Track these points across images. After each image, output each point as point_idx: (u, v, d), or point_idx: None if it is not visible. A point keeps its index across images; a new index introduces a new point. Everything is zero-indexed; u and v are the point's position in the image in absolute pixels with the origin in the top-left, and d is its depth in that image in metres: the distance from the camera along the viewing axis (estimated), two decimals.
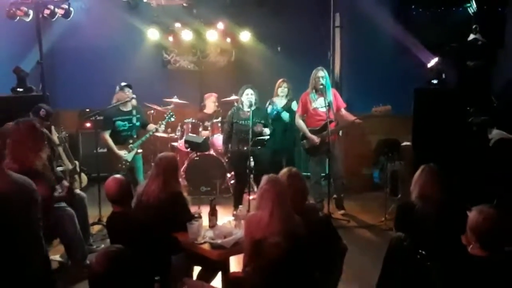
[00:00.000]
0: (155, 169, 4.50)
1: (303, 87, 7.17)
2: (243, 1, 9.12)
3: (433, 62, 6.67)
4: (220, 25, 9.08)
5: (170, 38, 9.46)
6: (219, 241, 4.06)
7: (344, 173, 7.28)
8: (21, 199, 3.11)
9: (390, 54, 8.42)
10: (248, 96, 6.84)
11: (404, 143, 7.25)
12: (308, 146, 7.07)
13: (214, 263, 4.12)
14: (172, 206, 4.30)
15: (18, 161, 3.96)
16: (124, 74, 8.07)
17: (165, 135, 8.34)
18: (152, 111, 8.60)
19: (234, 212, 6.71)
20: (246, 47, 9.46)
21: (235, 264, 4.18)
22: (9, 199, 3.04)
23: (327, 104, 6.75)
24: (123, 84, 6.91)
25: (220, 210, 4.74)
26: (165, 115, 7.13)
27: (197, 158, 7.88)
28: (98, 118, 6.77)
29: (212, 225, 4.41)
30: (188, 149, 7.95)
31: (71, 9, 6.60)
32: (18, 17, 6.44)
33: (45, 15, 6.44)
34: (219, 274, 4.24)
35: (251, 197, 6.75)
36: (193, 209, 4.68)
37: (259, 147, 6.78)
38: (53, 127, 6.61)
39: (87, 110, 8.54)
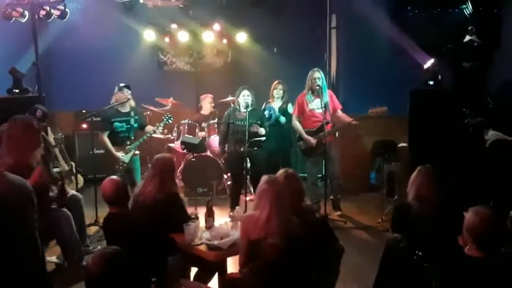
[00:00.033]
0: (152, 170, 4.51)
1: (299, 88, 7.17)
2: (239, 2, 9.12)
3: (429, 63, 6.68)
4: (217, 26, 9.08)
5: (166, 39, 9.46)
6: (215, 242, 4.06)
7: (340, 174, 7.27)
8: (17, 199, 3.10)
9: (386, 55, 8.43)
10: (244, 97, 6.84)
11: (401, 144, 7.26)
12: (305, 147, 7.08)
13: (211, 264, 4.12)
14: (169, 207, 4.31)
15: (13, 157, 3.95)
16: (120, 75, 8.06)
17: (161, 136, 8.33)
18: (148, 112, 8.60)
19: (231, 213, 6.75)
20: (242, 48, 9.47)
21: (232, 265, 4.17)
22: (5, 200, 3.03)
23: (323, 106, 6.76)
24: (122, 84, 6.90)
25: (216, 211, 4.73)
26: (163, 117, 7.11)
27: (194, 159, 7.88)
28: (95, 119, 6.75)
29: (209, 226, 4.41)
30: (185, 150, 7.95)
31: (67, 10, 6.61)
32: (13, 18, 6.43)
33: (41, 16, 6.43)
34: (216, 275, 4.24)
35: (247, 198, 6.75)
36: (189, 210, 4.68)
37: (255, 148, 6.79)
38: (49, 128, 6.60)
39: (83, 111, 8.54)
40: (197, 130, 8.27)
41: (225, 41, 9.49)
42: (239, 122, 6.85)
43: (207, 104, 8.68)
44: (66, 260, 5.18)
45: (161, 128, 7.02)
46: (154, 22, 9.21)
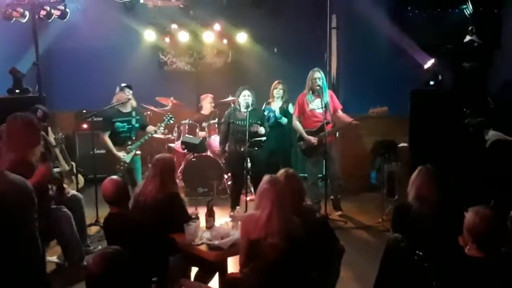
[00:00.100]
0: (152, 170, 4.51)
1: (300, 88, 7.17)
2: (240, 3, 9.12)
3: (429, 63, 6.68)
4: (217, 27, 9.08)
5: (167, 39, 9.46)
6: (216, 242, 4.06)
7: (341, 174, 7.27)
8: (18, 199, 3.11)
9: (386, 55, 8.42)
10: (245, 98, 6.84)
11: (401, 144, 7.26)
12: (305, 147, 7.08)
13: (212, 264, 4.12)
14: (169, 207, 4.31)
15: (14, 153, 3.94)
16: (121, 75, 8.06)
17: (162, 136, 8.34)
18: (149, 112, 8.60)
19: (231, 213, 6.77)
20: (242, 49, 9.46)
21: (233, 265, 4.18)
22: (5, 199, 3.04)
23: (324, 106, 6.76)
24: (123, 84, 6.90)
25: (217, 211, 4.74)
26: (164, 118, 7.11)
27: (194, 159, 7.88)
28: (95, 119, 6.75)
29: (209, 226, 4.41)
30: (185, 150, 7.95)
31: (67, 10, 6.60)
32: (14, 18, 6.43)
33: (41, 16, 6.43)
34: (217, 275, 4.24)
35: (248, 198, 6.75)
36: (190, 210, 4.69)
37: (256, 148, 6.80)
38: (49, 128, 6.60)
39: (84, 111, 8.54)
40: (197, 130, 8.27)
41: (225, 41, 9.49)
42: (239, 122, 6.85)
43: (207, 104, 8.69)
44: (67, 260, 5.18)
45: (162, 128, 7.03)
46: (155, 22, 9.21)
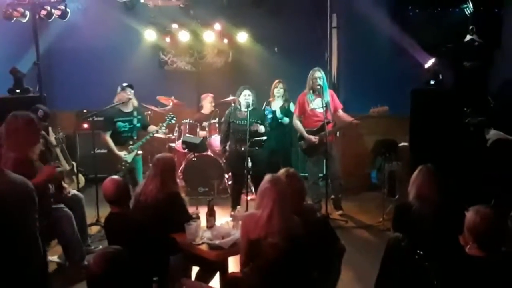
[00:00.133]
0: (153, 170, 4.52)
1: (300, 88, 7.17)
2: (240, 2, 9.12)
3: (430, 63, 6.68)
4: (217, 26, 9.08)
5: (167, 39, 9.45)
6: (217, 241, 4.06)
7: (341, 174, 7.27)
8: (19, 199, 3.10)
9: (387, 55, 8.42)
10: (245, 97, 6.84)
11: (402, 144, 7.26)
12: (306, 146, 7.08)
13: (212, 264, 4.12)
14: (170, 207, 4.31)
15: (14, 152, 3.94)
16: (121, 75, 8.07)
17: (162, 136, 8.33)
18: (150, 112, 8.60)
19: (232, 213, 6.77)
20: (243, 48, 9.46)
21: (233, 264, 4.18)
22: (6, 199, 3.04)
23: (324, 105, 6.76)
24: (124, 84, 6.89)
25: (218, 211, 4.74)
26: (166, 117, 7.11)
27: (195, 159, 7.88)
28: (97, 119, 6.75)
29: (210, 225, 4.41)
30: (186, 150, 7.95)
31: (68, 10, 6.62)
32: (14, 18, 6.45)
33: (41, 16, 6.45)
34: (217, 275, 4.24)
35: (248, 198, 6.75)
36: (191, 209, 4.70)
37: (256, 148, 6.80)
38: (50, 128, 6.60)
39: (85, 111, 8.54)
40: (198, 130, 8.27)
41: (226, 41, 9.48)
42: (239, 122, 6.85)
43: (207, 104, 8.69)
44: (68, 260, 5.18)
45: (164, 128, 7.02)
46: (155, 22, 9.21)
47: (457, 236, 3.27)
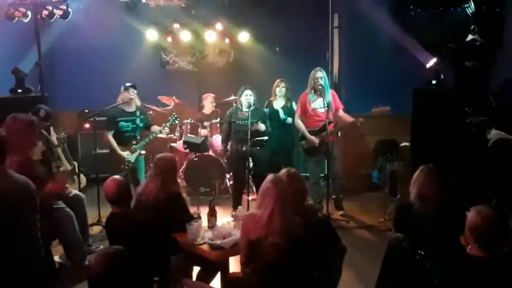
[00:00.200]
0: (154, 170, 4.52)
1: (302, 88, 7.17)
2: (242, 2, 9.12)
3: (431, 62, 6.68)
4: (219, 26, 9.08)
5: (169, 39, 9.46)
6: (218, 241, 4.07)
7: (343, 174, 7.27)
8: (20, 199, 3.11)
9: (388, 54, 8.42)
10: (247, 97, 6.84)
11: (403, 144, 7.25)
12: (307, 146, 7.08)
13: (213, 264, 4.12)
14: (171, 207, 4.31)
15: (15, 154, 3.95)
16: (123, 74, 8.07)
17: (164, 136, 8.33)
18: (151, 112, 8.60)
19: (233, 213, 6.77)
20: (244, 48, 9.46)
21: (234, 264, 4.18)
22: (8, 198, 3.04)
23: (326, 105, 6.76)
24: (128, 84, 6.89)
25: (219, 211, 4.75)
26: (169, 118, 7.11)
27: (196, 158, 7.88)
28: (100, 118, 6.76)
29: (211, 225, 4.42)
30: (187, 150, 7.95)
31: (70, 9, 6.62)
32: (16, 18, 6.45)
33: (43, 15, 6.45)
34: (218, 275, 4.24)
35: (250, 198, 6.75)
36: (192, 209, 4.70)
37: (257, 148, 6.79)
38: (51, 128, 6.60)
39: (86, 110, 8.55)
40: (199, 129, 8.27)
41: (227, 40, 9.49)
42: (240, 122, 6.86)
43: (208, 104, 8.69)
44: (69, 260, 5.19)
45: (167, 128, 7.02)
46: (157, 21, 9.21)
47: (458, 236, 3.26)
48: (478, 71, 7.00)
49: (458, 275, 3.11)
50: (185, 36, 9.17)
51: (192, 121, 8.35)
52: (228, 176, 8.08)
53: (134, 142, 6.71)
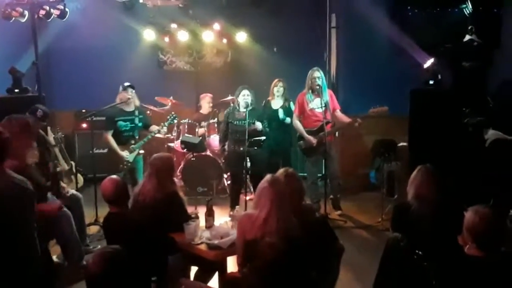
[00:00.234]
0: (150, 170, 4.52)
1: (299, 88, 7.17)
2: (239, 2, 9.11)
3: (429, 63, 6.68)
4: (216, 26, 9.07)
5: (166, 39, 9.45)
6: (215, 241, 4.06)
7: (340, 174, 7.28)
8: (18, 199, 3.11)
9: (386, 54, 8.43)
10: (244, 97, 6.83)
11: (401, 144, 7.26)
12: (305, 146, 7.08)
13: (211, 264, 4.12)
14: (168, 206, 4.31)
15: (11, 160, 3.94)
16: (120, 74, 8.06)
17: (161, 135, 8.32)
18: (149, 112, 8.58)
19: (231, 213, 6.76)
20: (242, 48, 9.46)
21: (232, 264, 4.18)
22: (5, 198, 3.03)
23: (323, 105, 6.76)
24: (126, 84, 6.88)
25: (216, 211, 4.74)
26: (168, 117, 7.10)
27: (194, 158, 7.88)
28: (98, 118, 6.74)
29: (209, 225, 4.41)
30: (185, 150, 7.95)
31: (67, 9, 6.60)
32: (13, 18, 6.43)
33: (40, 15, 6.43)
34: (216, 275, 4.24)
35: (247, 198, 6.75)
36: (189, 209, 4.69)
37: (255, 148, 6.79)
38: (49, 128, 6.59)
39: (83, 110, 8.53)
40: (197, 130, 8.27)
41: (225, 40, 9.48)
42: (237, 122, 6.85)
43: (205, 104, 8.68)
44: (66, 260, 5.18)
45: (165, 128, 7.01)
46: (154, 21, 9.20)
47: (456, 236, 3.26)
48: (475, 72, 7.03)
49: (455, 275, 3.11)
50: (183, 36, 9.17)
51: (190, 121, 8.35)
52: (225, 176, 8.08)
53: (132, 141, 6.70)
